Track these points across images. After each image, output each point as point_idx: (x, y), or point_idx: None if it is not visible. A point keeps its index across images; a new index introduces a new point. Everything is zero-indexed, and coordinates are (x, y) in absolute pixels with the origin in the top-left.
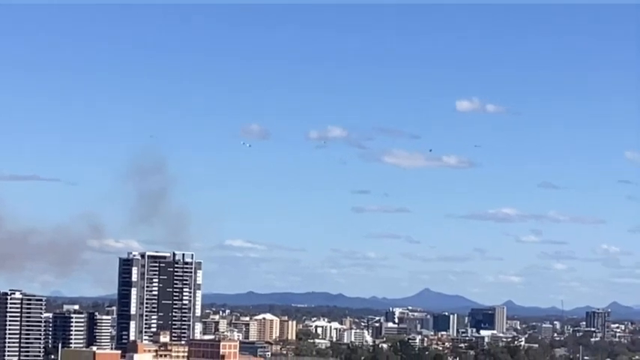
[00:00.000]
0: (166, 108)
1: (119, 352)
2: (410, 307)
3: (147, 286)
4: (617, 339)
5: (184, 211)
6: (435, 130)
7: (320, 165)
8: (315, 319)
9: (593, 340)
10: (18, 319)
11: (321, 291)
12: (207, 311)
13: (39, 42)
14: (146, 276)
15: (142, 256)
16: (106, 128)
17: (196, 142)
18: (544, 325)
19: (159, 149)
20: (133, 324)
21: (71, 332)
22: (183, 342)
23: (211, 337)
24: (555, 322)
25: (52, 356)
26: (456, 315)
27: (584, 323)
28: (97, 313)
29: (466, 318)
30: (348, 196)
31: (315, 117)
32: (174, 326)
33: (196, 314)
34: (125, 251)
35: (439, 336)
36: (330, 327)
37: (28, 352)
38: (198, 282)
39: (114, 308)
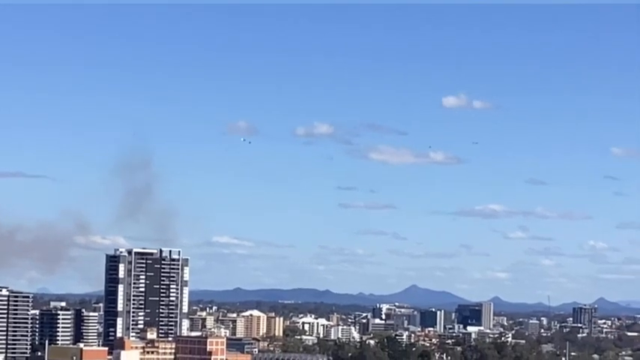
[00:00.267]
0: (153, 105)
1: (106, 348)
2: (397, 304)
3: (134, 283)
4: (603, 335)
5: (171, 208)
6: (422, 126)
7: (307, 161)
8: (302, 315)
9: (579, 336)
10: (5, 316)
11: (308, 287)
12: (195, 308)
13: (25, 38)
14: (133, 273)
15: (129, 252)
16: (93, 125)
17: (183, 138)
18: (531, 321)
19: (145, 146)
20: (120, 321)
21: (58, 329)
22: (170, 338)
23: (198, 333)
24: (542, 318)
25: (39, 353)
26: (443, 311)
27: (571, 319)
28: (84, 310)
29: (453, 314)
30: (335, 193)
31: (301, 113)
32: (161, 323)
33: (183, 311)
34: (112, 248)
35: (426, 332)
36: (318, 323)
37: (15, 349)
38: (185, 278)
39: (101, 305)
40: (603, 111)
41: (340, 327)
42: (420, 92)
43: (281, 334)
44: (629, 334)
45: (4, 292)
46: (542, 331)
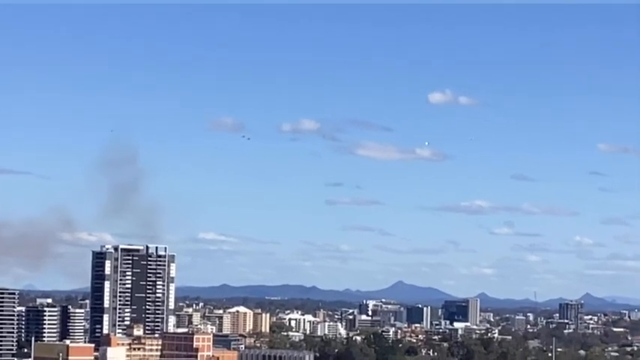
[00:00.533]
0: (139, 100)
1: (92, 345)
2: (383, 300)
3: (120, 280)
4: (590, 330)
5: (157, 204)
6: (408, 122)
7: (293, 157)
8: (288, 311)
9: (566, 331)
10: None
11: (294, 284)
12: (181, 304)
13: (10, 36)
14: (119, 269)
15: (115, 249)
16: (78, 121)
17: (169, 134)
18: (517, 317)
19: (131, 142)
20: (106, 317)
21: (44, 326)
22: (156, 335)
23: (185, 330)
24: (528, 314)
25: (25, 350)
26: (429, 307)
27: (557, 315)
28: (70, 307)
29: (439, 310)
30: (321, 189)
31: (287, 110)
32: (147, 319)
33: (170, 307)
34: (98, 244)
35: (413, 328)
36: (304, 319)
37: (0, 346)
38: (171, 275)
39: (87, 302)
40: (589, 107)
41: (327, 323)
42: (406, 88)
43: (267, 330)
44: (615, 329)
45: None
46: (529, 327)
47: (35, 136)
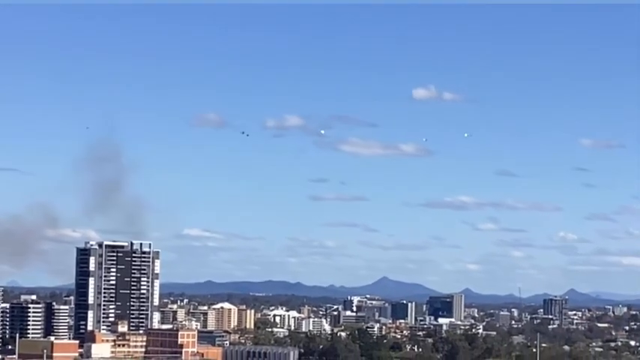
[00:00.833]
0: (123, 96)
1: (77, 341)
2: (368, 296)
3: (104, 276)
4: (574, 326)
5: (141, 201)
6: (392, 118)
7: (277, 153)
8: (273, 307)
9: (550, 327)
10: None
11: (279, 280)
12: (165, 300)
13: None
14: (104, 265)
15: (100, 245)
16: (62, 118)
17: (153, 130)
18: (502, 313)
19: (115, 138)
20: (90, 314)
21: (29, 322)
22: (141, 331)
23: (169, 326)
24: (513, 310)
25: (10, 346)
26: (414, 303)
27: (541, 310)
28: (54, 303)
29: (424, 306)
30: (306, 185)
31: (271, 106)
32: (132, 316)
33: (154, 304)
34: (83, 241)
35: (397, 324)
36: (289, 316)
37: None
38: (156, 271)
39: (71, 298)
40: (573, 103)
41: (311, 319)
42: (390, 84)
43: (252, 326)
44: (600, 325)
45: None
46: (513, 322)
47: (20, 133)
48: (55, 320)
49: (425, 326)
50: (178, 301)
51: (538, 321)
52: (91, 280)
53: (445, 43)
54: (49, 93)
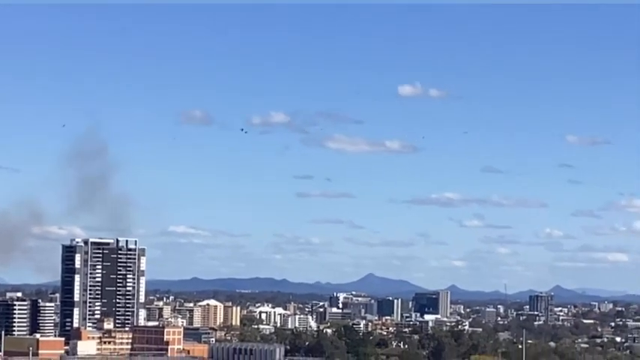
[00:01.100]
0: (108, 93)
1: (63, 339)
2: (354, 292)
3: (90, 273)
4: (560, 322)
5: (127, 198)
6: (378, 115)
7: (263, 150)
8: (259, 304)
9: (536, 323)
10: None
11: (265, 276)
12: (151, 297)
13: None
14: (89, 263)
15: (85, 242)
16: (47, 114)
17: (138, 127)
18: (488, 309)
19: (100, 134)
20: (76, 311)
21: (14, 319)
22: (127, 328)
23: (155, 323)
24: (499, 306)
25: None
26: (400, 300)
27: (527, 307)
28: (40, 300)
29: (410, 303)
30: (291, 182)
31: (257, 103)
32: (118, 313)
33: (140, 301)
34: (68, 238)
35: (383, 321)
36: (274, 312)
37: None
38: (141, 268)
39: (57, 295)
40: (558, 99)
41: (297, 316)
42: (376, 81)
43: (238, 323)
44: (585, 321)
45: None
46: (499, 319)
47: (4, 130)
48: (40, 317)
49: (411, 323)
50: (164, 298)
51: (524, 317)
52: (77, 278)
53: (431, 40)
54: (36, 90)
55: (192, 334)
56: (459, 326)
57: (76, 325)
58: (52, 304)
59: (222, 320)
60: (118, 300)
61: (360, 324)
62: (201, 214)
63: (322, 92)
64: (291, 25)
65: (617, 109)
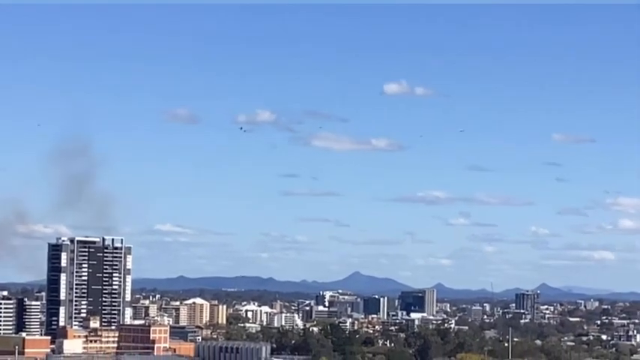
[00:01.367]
0: (93, 91)
1: (49, 337)
2: (340, 291)
3: (76, 272)
4: (546, 320)
5: (112, 196)
6: (364, 113)
7: (248, 149)
8: (245, 303)
9: (522, 321)
10: None
11: (251, 275)
12: (137, 296)
13: None
14: (75, 261)
15: (71, 241)
16: (31, 112)
17: (124, 126)
18: (474, 308)
19: (84, 133)
20: (62, 309)
21: (0, 318)
22: (113, 327)
23: (141, 322)
24: (485, 304)
25: None
26: (386, 298)
27: (513, 305)
28: (26, 299)
29: (396, 301)
30: (277, 180)
31: (243, 101)
32: (104, 311)
33: (126, 299)
34: (54, 236)
35: (369, 319)
36: (261, 311)
37: None
38: (127, 267)
39: (43, 294)
40: (544, 98)
41: (283, 314)
42: (362, 79)
43: (224, 321)
44: (571, 319)
45: None
46: (485, 317)
47: None
48: (26, 316)
49: (397, 321)
50: (150, 297)
51: (510, 315)
52: (63, 276)
53: (416, 38)
54: (20, 88)
55: (178, 332)
56: (446, 324)
57: (62, 323)
58: (38, 303)
59: (208, 319)
60: (104, 298)
61: (346, 322)
62: (187, 212)
63: (308, 90)
64: (276, 24)
65: (603, 107)
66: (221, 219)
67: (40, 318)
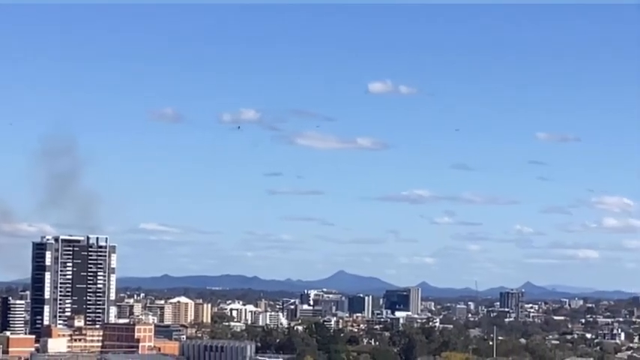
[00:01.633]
0: (78, 90)
1: (33, 336)
2: (325, 289)
3: (61, 270)
4: (530, 319)
5: (96, 195)
6: (349, 112)
7: (233, 147)
8: (230, 301)
9: (507, 320)
10: None
11: (236, 274)
12: (122, 295)
13: None
14: (60, 260)
15: (56, 240)
16: (15, 111)
17: (108, 124)
18: (458, 306)
19: (69, 132)
20: (47, 308)
21: None
22: (97, 326)
23: (126, 320)
24: (470, 303)
25: None
26: (371, 297)
27: (498, 304)
28: (10, 298)
29: (381, 300)
30: (262, 179)
31: (227, 100)
32: (88, 310)
33: (111, 298)
34: (38, 235)
35: (354, 318)
36: (245, 310)
37: None
38: (112, 265)
39: (27, 293)
40: (528, 96)
41: (268, 313)
42: (346, 78)
43: (209, 320)
44: (556, 317)
45: None
46: (470, 315)
47: None
48: (10, 315)
49: (382, 320)
50: (135, 296)
51: (495, 314)
52: (47, 275)
53: (401, 36)
54: (3, 86)
55: (163, 331)
56: (430, 323)
57: (46, 322)
58: (23, 302)
59: (193, 317)
60: (88, 297)
61: (331, 321)
62: (171, 211)
63: (292, 89)
64: (260, 23)
65: (587, 105)
66: (206, 218)
67: (24, 317)
